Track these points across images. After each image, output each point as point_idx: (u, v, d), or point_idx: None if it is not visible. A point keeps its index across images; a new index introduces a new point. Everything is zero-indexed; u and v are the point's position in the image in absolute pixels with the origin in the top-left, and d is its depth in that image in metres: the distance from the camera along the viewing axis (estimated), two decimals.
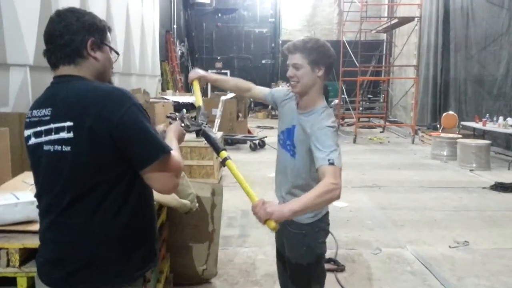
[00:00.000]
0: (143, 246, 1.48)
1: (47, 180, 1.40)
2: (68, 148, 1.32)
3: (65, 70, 1.42)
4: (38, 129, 1.38)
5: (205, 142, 2.05)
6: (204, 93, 18.01)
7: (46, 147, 1.37)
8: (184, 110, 2.07)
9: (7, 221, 2.18)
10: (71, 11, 1.42)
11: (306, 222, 2.11)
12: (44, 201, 1.43)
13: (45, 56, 1.44)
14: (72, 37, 1.39)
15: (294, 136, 2.07)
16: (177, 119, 1.95)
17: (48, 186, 1.40)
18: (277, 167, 2.26)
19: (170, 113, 1.97)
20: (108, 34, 1.51)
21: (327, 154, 1.83)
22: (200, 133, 2.00)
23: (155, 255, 1.55)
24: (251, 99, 17.70)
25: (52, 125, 1.35)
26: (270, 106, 17.90)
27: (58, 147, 1.34)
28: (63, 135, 1.33)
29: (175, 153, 1.44)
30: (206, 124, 2.03)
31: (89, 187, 1.34)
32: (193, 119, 2.04)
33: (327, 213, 2.21)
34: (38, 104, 1.43)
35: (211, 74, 2.45)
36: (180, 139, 1.76)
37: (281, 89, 2.37)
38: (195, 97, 2.30)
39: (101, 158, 1.33)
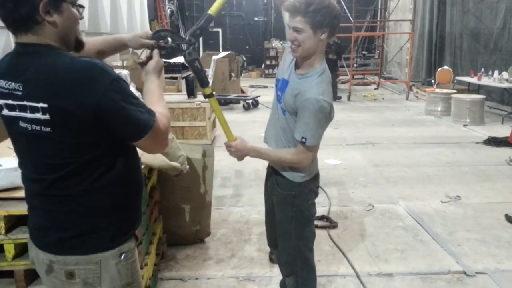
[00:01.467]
0: (131, 211, 1.49)
1: (28, 157, 1.37)
2: (48, 129, 1.26)
3: (24, 38, 1.27)
4: (10, 102, 1.29)
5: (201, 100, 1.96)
6: (198, 53, 17.73)
7: (23, 124, 1.30)
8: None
9: None
10: None
11: (297, 181, 2.09)
12: (28, 173, 1.40)
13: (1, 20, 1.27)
14: (19, 1, 1.21)
15: (285, 93, 2.02)
16: (155, 46, 1.64)
17: (31, 162, 1.37)
18: (272, 110, 2.21)
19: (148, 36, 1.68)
20: None
21: (303, 130, 1.90)
22: (185, 60, 1.76)
23: (139, 217, 1.56)
24: (244, 59, 17.43)
25: (26, 103, 1.26)
26: (263, 65, 17.64)
27: (37, 127, 1.27)
28: (39, 116, 1.25)
29: (159, 110, 1.38)
30: (193, 51, 1.75)
31: (75, 165, 1.31)
32: (178, 37, 1.71)
33: (318, 173, 2.20)
34: (6, 74, 1.30)
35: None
36: (160, 72, 1.59)
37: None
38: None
39: (85, 138, 1.28)
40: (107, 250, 1.39)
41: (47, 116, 1.24)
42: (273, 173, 2.18)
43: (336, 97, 10.53)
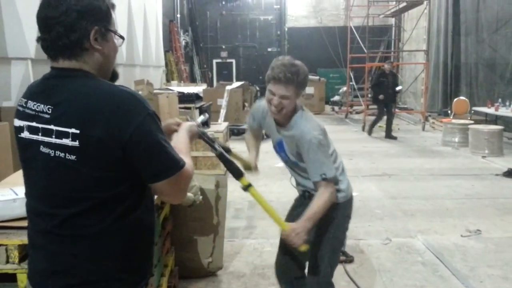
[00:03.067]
0: (144, 261, 1.41)
1: (44, 186, 1.27)
2: (73, 157, 1.19)
3: (64, 63, 1.24)
4: (35, 125, 1.23)
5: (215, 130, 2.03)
6: (210, 83, 17.85)
7: (44, 149, 1.22)
8: (204, 116, 2.04)
9: (6, 217, 2.15)
10: None
11: (338, 202, 2.18)
12: (37, 205, 1.30)
13: (38, 42, 1.24)
14: (72, 26, 1.19)
15: (286, 150, 2.19)
16: (194, 122, 1.82)
17: (45, 192, 1.27)
18: (289, 170, 2.35)
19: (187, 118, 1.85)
20: (113, 14, 1.30)
21: (318, 169, 2.03)
22: (216, 154, 1.90)
23: (151, 267, 1.48)
24: (257, 89, 17.63)
25: (53, 127, 1.20)
26: None
27: (60, 154, 1.20)
28: (67, 142, 1.18)
29: (187, 161, 1.33)
30: (228, 148, 2.01)
31: (93, 201, 1.23)
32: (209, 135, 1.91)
33: (352, 197, 2.33)
34: (35, 95, 1.26)
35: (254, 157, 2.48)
36: (193, 137, 1.66)
37: (256, 108, 2.39)
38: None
39: (109, 171, 1.21)
40: None
41: (76, 143, 1.18)
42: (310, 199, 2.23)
43: (390, 136, 9.84)
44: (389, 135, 9.86)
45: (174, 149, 1.30)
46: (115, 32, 1.32)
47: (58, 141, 1.20)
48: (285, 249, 2.38)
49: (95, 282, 1.28)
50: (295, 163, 2.19)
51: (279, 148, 2.24)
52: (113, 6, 1.33)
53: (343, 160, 2.34)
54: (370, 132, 10.30)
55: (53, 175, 1.24)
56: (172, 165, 1.26)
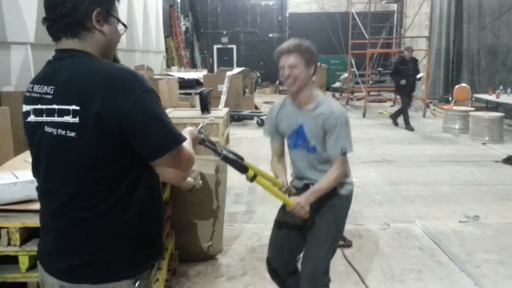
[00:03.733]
0: (152, 241, 1.41)
1: (47, 164, 1.30)
2: (73, 134, 1.22)
3: (68, 43, 1.28)
4: (39, 107, 1.27)
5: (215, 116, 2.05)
6: (210, 69, 17.73)
7: (48, 129, 1.26)
8: (202, 122, 2.10)
9: (7, 200, 2.17)
10: None
11: (343, 194, 2.31)
12: (44, 185, 1.34)
13: (44, 24, 1.29)
14: (75, 6, 1.24)
15: (306, 133, 2.24)
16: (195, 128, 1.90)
17: (49, 171, 1.31)
18: (294, 163, 2.39)
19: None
20: (116, 3, 1.36)
21: (341, 143, 2.16)
22: (220, 157, 2.00)
23: (161, 248, 1.48)
24: (258, 75, 17.51)
25: (55, 106, 1.23)
26: (277, 81, 17.71)
27: (62, 131, 1.23)
28: (68, 119, 1.21)
29: (187, 145, 1.35)
30: (222, 148, 2.02)
31: (95, 178, 1.25)
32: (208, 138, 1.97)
33: (353, 187, 2.43)
34: (40, 79, 1.31)
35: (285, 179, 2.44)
36: (194, 141, 1.67)
37: (269, 113, 2.48)
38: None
39: (107, 148, 1.23)
40: (122, 279, 1.32)
41: (76, 120, 1.21)
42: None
43: (409, 127, 9.18)
44: (394, 120, 9.63)
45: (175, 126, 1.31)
46: (118, 20, 1.36)
47: (60, 119, 1.23)
48: (282, 229, 2.43)
49: (103, 261, 1.30)
50: (313, 149, 2.24)
51: (296, 136, 2.29)
52: None
53: None
54: (396, 122, 9.60)
55: (56, 153, 1.26)
56: (172, 138, 1.26)
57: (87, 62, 1.26)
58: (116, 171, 1.26)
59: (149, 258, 1.40)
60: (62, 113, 1.22)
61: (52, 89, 1.25)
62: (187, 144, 1.34)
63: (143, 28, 10.82)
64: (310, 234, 2.31)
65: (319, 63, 15.35)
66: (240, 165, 2.03)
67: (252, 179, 2.08)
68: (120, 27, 1.38)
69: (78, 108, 1.20)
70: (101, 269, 1.30)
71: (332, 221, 2.29)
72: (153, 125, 1.23)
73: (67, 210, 1.28)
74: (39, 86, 1.29)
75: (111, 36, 1.33)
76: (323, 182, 2.21)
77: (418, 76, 9.12)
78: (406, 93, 9.14)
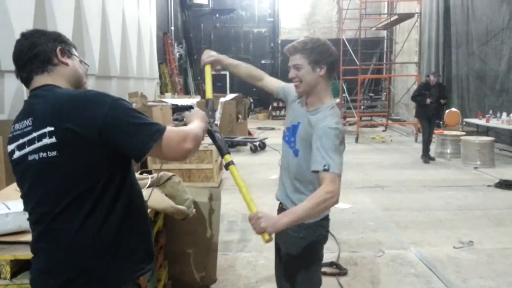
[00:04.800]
0: (138, 249, 1.47)
1: (36, 190, 1.37)
2: (54, 153, 1.31)
3: (39, 80, 1.43)
4: (21, 141, 1.37)
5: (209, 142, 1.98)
6: (204, 95, 17.99)
7: (31, 157, 1.34)
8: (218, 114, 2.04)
9: None
10: (36, 31, 1.47)
11: (306, 222, 1.97)
12: (35, 212, 1.40)
13: (17, 76, 1.46)
14: (40, 48, 1.42)
15: (297, 133, 2.06)
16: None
17: (38, 196, 1.37)
18: (281, 163, 2.22)
19: (177, 114, 1.91)
20: (74, 50, 1.54)
21: (324, 158, 1.81)
22: (210, 130, 1.90)
23: (151, 256, 1.54)
24: (251, 101, 17.64)
25: (34, 134, 1.34)
26: (270, 107, 17.85)
27: (43, 154, 1.32)
28: (46, 141, 1.31)
29: (194, 127, 1.51)
30: (213, 121, 1.96)
31: (80, 191, 1.33)
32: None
33: (328, 216, 2.12)
34: (19, 117, 1.42)
35: (224, 57, 2.39)
36: (203, 132, 1.66)
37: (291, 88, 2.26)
38: (206, 87, 2.21)
39: (90, 160, 1.32)
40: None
41: (53, 139, 1.30)
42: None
43: (428, 157, 8.42)
44: (426, 155, 8.47)
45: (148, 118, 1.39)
46: (81, 59, 1.55)
47: (39, 144, 1.33)
48: (277, 260, 2.37)
49: (95, 272, 1.35)
50: (296, 152, 2.03)
51: (290, 133, 2.10)
52: (75, 47, 1.56)
53: None
54: (427, 159, 8.44)
55: (43, 175, 1.35)
56: (154, 130, 1.34)
57: (58, 91, 1.40)
58: (100, 180, 1.34)
59: (138, 266, 1.46)
60: (40, 137, 1.32)
61: (31, 121, 1.36)
62: (173, 128, 1.43)
63: (137, 55, 10.92)
64: (283, 272, 2.17)
65: None
66: (223, 146, 1.91)
67: (228, 164, 1.86)
68: (84, 66, 1.57)
69: (52, 128, 1.30)
70: (90, 282, 1.35)
71: (299, 254, 2.06)
72: (132, 124, 1.32)
73: (57, 225, 1.35)
74: (19, 123, 1.40)
75: (75, 68, 1.50)
76: (300, 207, 1.80)
77: (442, 101, 8.42)
78: (426, 118, 8.41)
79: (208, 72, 2.28)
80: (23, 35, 1.45)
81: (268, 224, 1.72)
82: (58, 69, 1.45)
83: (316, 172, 1.83)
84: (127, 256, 1.42)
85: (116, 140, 1.31)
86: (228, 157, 1.89)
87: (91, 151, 1.30)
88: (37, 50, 1.42)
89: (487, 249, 4.18)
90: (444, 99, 8.47)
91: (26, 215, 1.46)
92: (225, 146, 1.94)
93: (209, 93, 2.18)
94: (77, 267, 1.34)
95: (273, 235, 1.76)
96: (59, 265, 1.35)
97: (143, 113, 1.38)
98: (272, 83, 2.37)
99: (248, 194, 1.84)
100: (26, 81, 1.45)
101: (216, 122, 1.98)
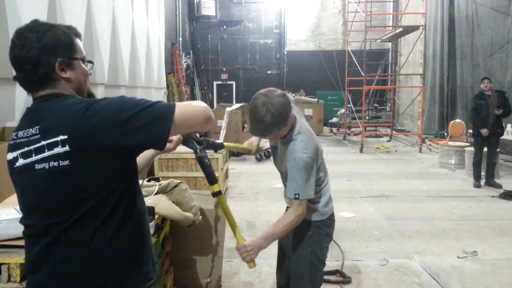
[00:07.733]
0: (147, 259, 1.46)
1: (44, 201, 1.31)
2: (66, 162, 1.25)
3: (44, 92, 1.36)
4: (26, 149, 1.30)
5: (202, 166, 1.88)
6: (210, 104, 17.92)
7: (39, 166, 1.28)
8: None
9: (9, 236, 2.18)
10: (30, 30, 1.32)
11: (313, 219, 2.25)
12: (41, 224, 1.33)
13: (15, 81, 1.37)
14: (37, 63, 1.30)
15: (277, 157, 2.33)
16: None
17: (45, 205, 1.31)
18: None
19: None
20: (78, 42, 1.41)
21: (295, 187, 2.07)
22: (195, 157, 1.86)
23: (154, 265, 1.52)
24: None
25: (44, 142, 1.27)
26: None
27: (54, 163, 1.26)
28: (58, 150, 1.25)
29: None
30: (201, 147, 1.88)
31: (95, 200, 1.28)
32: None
33: (333, 215, 2.35)
34: (23, 125, 1.35)
35: None
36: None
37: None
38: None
39: (105, 168, 1.28)
40: None
41: (66, 148, 1.24)
42: None
43: (493, 184, 7.16)
44: (489, 182, 7.22)
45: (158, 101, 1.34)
46: (83, 60, 1.42)
47: (50, 152, 1.26)
48: (279, 261, 2.50)
49: (112, 284, 1.34)
50: (281, 172, 2.34)
51: (273, 151, 2.41)
52: (77, 34, 1.43)
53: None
54: (478, 183, 7.23)
55: (54, 185, 1.28)
56: (165, 111, 1.29)
57: (67, 99, 1.32)
58: (116, 188, 1.31)
59: (144, 279, 1.44)
60: (51, 146, 1.26)
61: (38, 129, 1.30)
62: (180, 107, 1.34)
63: (145, 65, 11.05)
64: (290, 269, 2.35)
65: (316, 99, 15.65)
66: (211, 173, 1.89)
67: (216, 194, 1.94)
68: (88, 65, 1.45)
69: (66, 137, 1.25)
70: None
71: (305, 248, 2.26)
72: (144, 118, 1.27)
73: (69, 234, 1.30)
74: (24, 131, 1.32)
75: (77, 80, 1.39)
76: (276, 226, 2.14)
77: (496, 112, 6.87)
78: (480, 137, 7.12)
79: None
80: (18, 38, 1.31)
81: (256, 253, 2.07)
82: (60, 83, 1.36)
83: (289, 198, 2.15)
84: (138, 267, 1.41)
85: (137, 131, 1.26)
86: (216, 187, 1.91)
87: (106, 159, 1.27)
88: (33, 66, 1.31)
89: (491, 259, 4.19)
90: (499, 108, 6.85)
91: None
92: (214, 174, 1.90)
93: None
94: (94, 279, 1.32)
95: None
96: (66, 279, 1.32)
97: (146, 101, 1.31)
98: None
99: (236, 224, 2.07)
100: (27, 91, 1.38)
101: (210, 142, 1.97)
